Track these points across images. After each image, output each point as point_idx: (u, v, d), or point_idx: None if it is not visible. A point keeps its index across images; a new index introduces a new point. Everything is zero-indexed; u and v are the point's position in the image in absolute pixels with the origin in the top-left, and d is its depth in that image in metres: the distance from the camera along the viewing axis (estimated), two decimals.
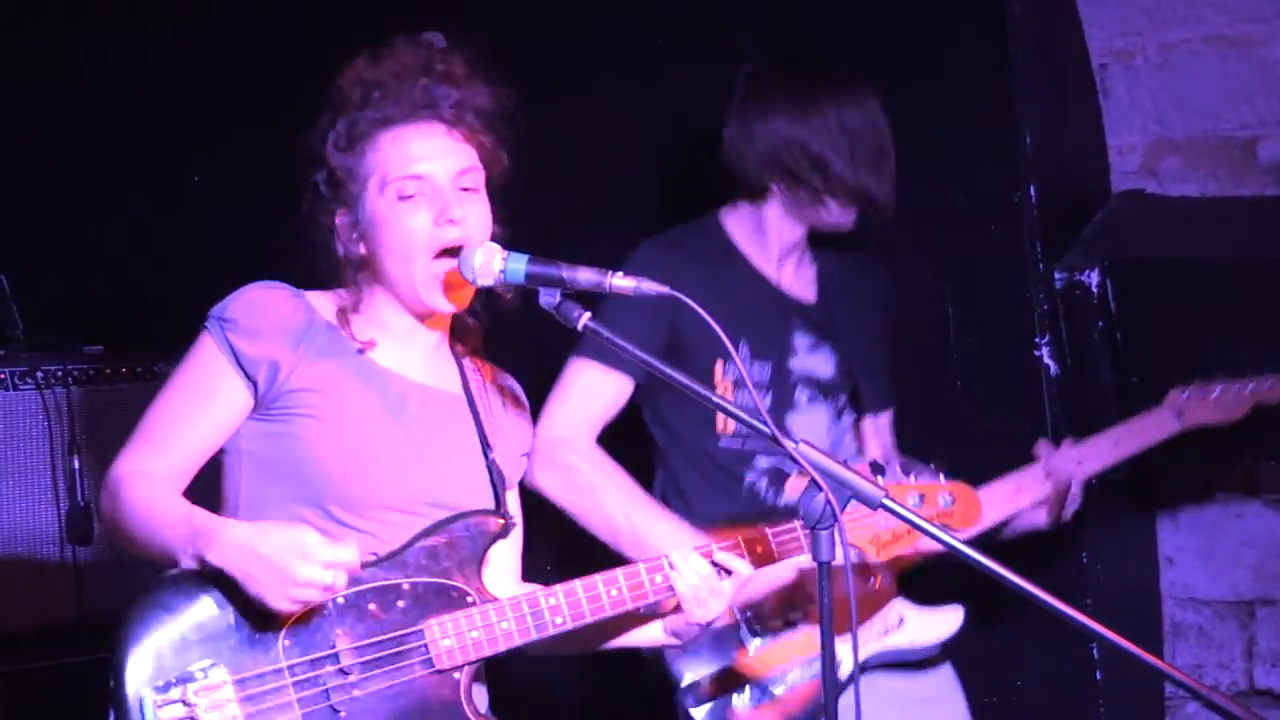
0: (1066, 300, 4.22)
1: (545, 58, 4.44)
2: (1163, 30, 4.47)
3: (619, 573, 2.97)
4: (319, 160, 2.94)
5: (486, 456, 3.03)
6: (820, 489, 2.60)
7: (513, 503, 3.10)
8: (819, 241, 3.81)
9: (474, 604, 2.90)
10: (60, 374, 4.53)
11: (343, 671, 2.80)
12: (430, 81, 2.94)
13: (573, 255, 2.86)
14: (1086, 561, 4.24)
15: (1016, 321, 4.22)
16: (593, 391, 3.64)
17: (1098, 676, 4.23)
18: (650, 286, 2.79)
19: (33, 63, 5.21)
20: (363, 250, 2.95)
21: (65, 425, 4.50)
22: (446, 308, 2.95)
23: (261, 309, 2.91)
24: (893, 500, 2.66)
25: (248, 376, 2.90)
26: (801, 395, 3.76)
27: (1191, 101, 4.52)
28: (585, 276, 2.81)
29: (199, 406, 2.92)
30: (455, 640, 2.87)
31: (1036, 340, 4.24)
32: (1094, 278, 4.21)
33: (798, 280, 3.80)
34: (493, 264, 2.85)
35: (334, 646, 2.81)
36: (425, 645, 2.86)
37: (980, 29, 4.22)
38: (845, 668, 3.49)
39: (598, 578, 2.96)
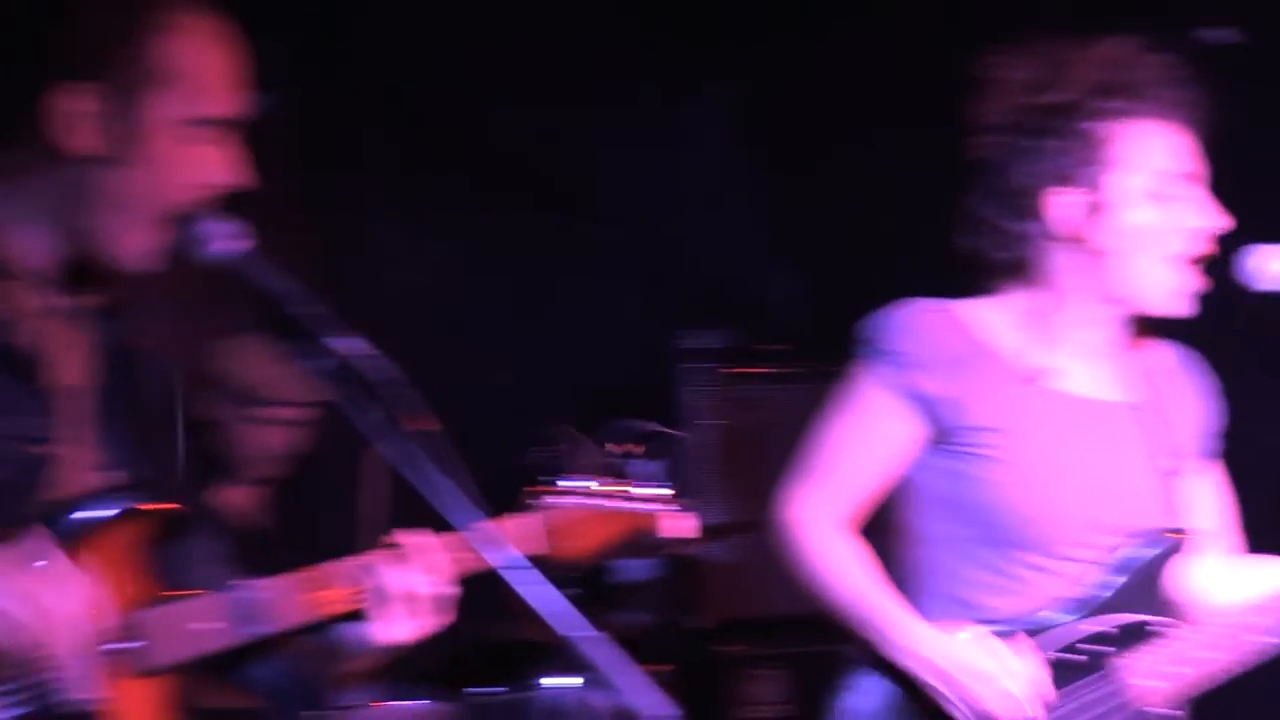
0: None
1: None
2: None
3: None
4: (1056, 130, 2.79)
5: (1157, 466, 2.86)
6: None
7: (1199, 496, 2.93)
8: None
9: (1161, 634, 2.78)
10: (841, 370, 4.66)
11: None
12: (1182, 83, 2.82)
13: None
14: None
15: None
16: None
17: None
18: None
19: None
20: (1086, 237, 2.80)
21: None
22: (1182, 313, 2.82)
23: (925, 339, 2.82)
24: None
25: (919, 413, 2.81)
26: None
27: None
28: None
29: (870, 446, 2.86)
30: (1152, 678, 2.77)
31: None
32: None
33: None
34: None
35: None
36: (1122, 688, 2.76)
37: None
38: None
39: None
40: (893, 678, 2.78)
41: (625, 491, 2.67)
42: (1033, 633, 2.79)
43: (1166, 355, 2.97)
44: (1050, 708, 2.76)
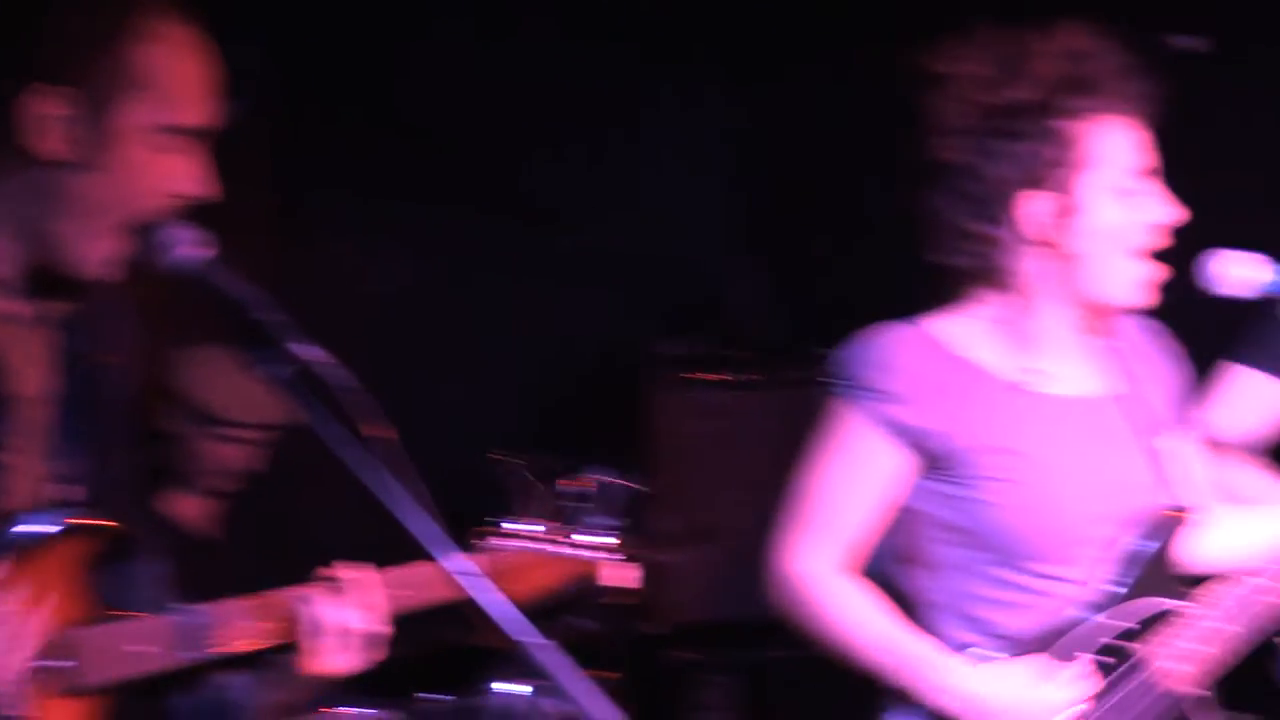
0: None
1: None
2: None
3: None
4: (1024, 131, 2.75)
5: (1148, 449, 2.87)
6: None
7: (1187, 465, 2.93)
8: None
9: (1180, 617, 2.80)
10: (803, 378, 4.70)
11: None
12: (1141, 76, 2.81)
13: None
14: None
15: None
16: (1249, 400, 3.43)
17: None
18: None
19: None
20: (1056, 239, 2.78)
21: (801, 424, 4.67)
22: (1140, 304, 2.85)
23: (902, 369, 2.78)
24: None
25: (906, 445, 2.78)
26: None
27: None
28: None
29: (860, 487, 2.81)
30: (1180, 662, 2.78)
31: None
32: None
33: None
34: (1259, 275, 2.80)
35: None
36: (1153, 677, 2.78)
37: None
38: None
39: None
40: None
41: (569, 538, 2.66)
42: (1056, 639, 2.79)
43: (1132, 333, 2.97)
44: (1087, 713, 2.77)
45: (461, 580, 2.24)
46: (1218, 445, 3.37)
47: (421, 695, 3.87)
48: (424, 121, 5.18)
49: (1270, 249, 2.89)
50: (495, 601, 2.23)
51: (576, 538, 2.66)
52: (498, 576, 2.48)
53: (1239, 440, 3.46)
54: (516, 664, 2.19)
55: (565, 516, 2.65)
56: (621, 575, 2.69)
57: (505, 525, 2.63)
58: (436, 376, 5.07)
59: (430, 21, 5.16)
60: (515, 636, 2.21)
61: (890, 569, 2.90)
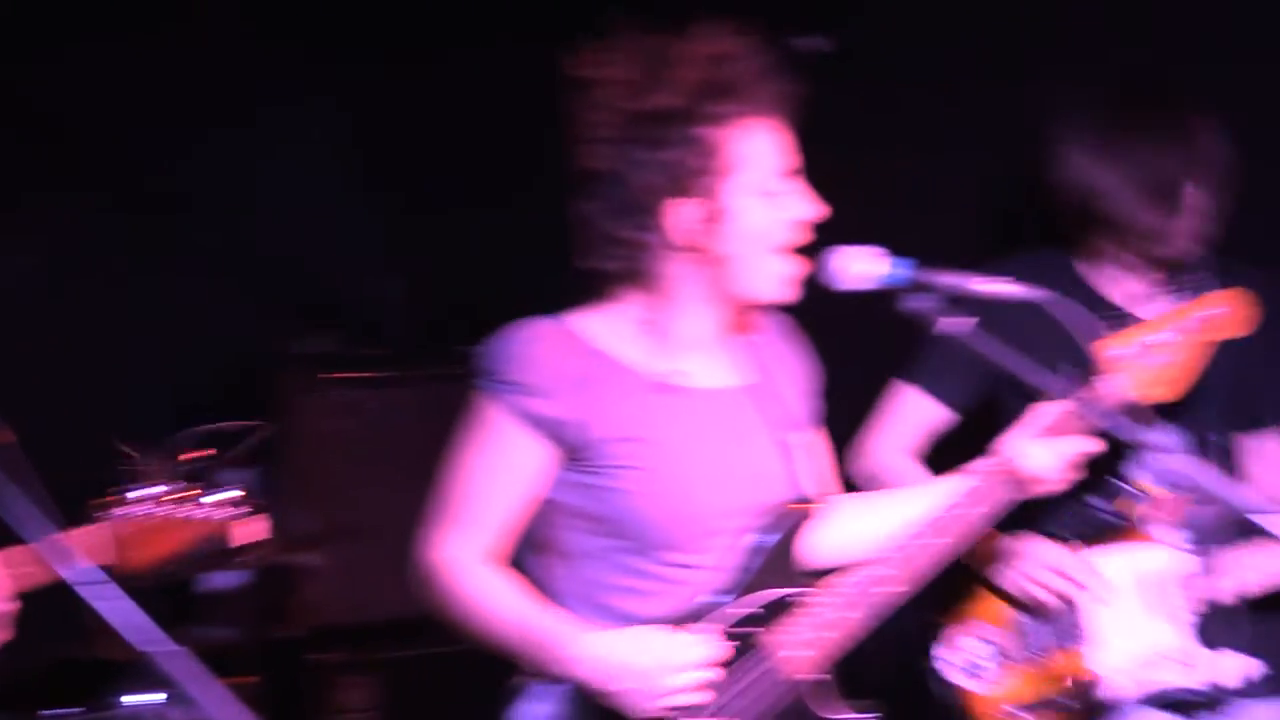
0: None
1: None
2: None
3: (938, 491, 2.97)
4: (669, 140, 2.79)
5: (778, 441, 2.97)
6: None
7: (813, 461, 3.03)
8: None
9: (801, 604, 2.88)
10: (440, 374, 4.70)
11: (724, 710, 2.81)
12: (780, 77, 2.88)
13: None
14: None
15: None
16: (907, 415, 3.67)
17: None
18: (1039, 294, 2.82)
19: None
20: (703, 244, 2.85)
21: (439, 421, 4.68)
22: (786, 300, 2.93)
23: (542, 364, 2.83)
24: None
25: (547, 438, 2.84)
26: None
27: None
28: (973, 284, 2.83)
29: (502, 478, 2.86)
30: (799, 648, 2.85)
31: None
32: None
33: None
34: (877, 269, 2.87)
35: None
36: (774, 663, 2.84)
37: None
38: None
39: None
40: (564, 696, 2.79)
41: (193, 498, 2.66)
42: (684, 625, 2.83)
43: (768, 330, 3.06)
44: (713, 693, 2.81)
45: (85, 592, 2.18)
46: (875, 460, 3.57)
47: (46, 712, 3.74)
48: (50, 115, 5.00)
49: (896, 244, 2.98)
50: (122, 609, 2.18)
51: (203, 499, 2.68)
52: (125, 544, 2.49)
53: (897, 455, 3.65)
54: (146, 674, 2.15)
55: (188, 479, 2.66)
56: (250, 530, 2.72)
57: (128, 494, 2.63)
58: (67, 376, 4.90)
59: (60, 17, 4.98)
60: (142, 645, 2.15)
61: (525, 558, 2.93)
